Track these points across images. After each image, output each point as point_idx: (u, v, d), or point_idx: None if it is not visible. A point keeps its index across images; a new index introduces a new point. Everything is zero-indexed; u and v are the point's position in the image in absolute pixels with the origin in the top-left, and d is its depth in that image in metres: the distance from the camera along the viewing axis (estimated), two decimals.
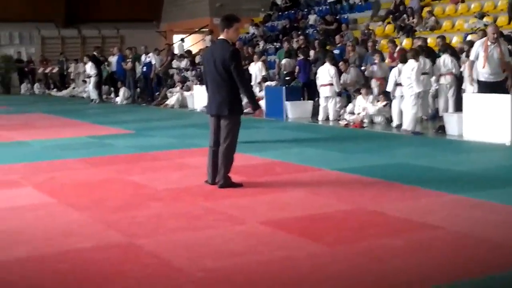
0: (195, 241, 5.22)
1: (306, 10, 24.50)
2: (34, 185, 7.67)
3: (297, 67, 16.39)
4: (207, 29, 27.35)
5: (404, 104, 11.93)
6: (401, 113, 12.38)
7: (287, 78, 16.61)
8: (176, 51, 25.91)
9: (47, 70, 29.47)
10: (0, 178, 8.15)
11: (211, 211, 6.20)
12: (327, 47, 17.40)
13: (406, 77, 11.70)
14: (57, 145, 11.32)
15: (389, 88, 12.77)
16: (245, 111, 7.91)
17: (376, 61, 14.56)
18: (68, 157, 9.87)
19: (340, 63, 14.96)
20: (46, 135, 12.84)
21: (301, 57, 16.42)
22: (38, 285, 4.31)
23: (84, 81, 24.97)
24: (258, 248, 5.00)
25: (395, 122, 12.64)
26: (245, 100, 7.91)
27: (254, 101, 7.53)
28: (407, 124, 11.67)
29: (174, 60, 22.75)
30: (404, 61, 12.72)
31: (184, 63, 22.34)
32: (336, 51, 16.72)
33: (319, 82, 14.49)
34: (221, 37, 7.24)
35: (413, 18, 18.66)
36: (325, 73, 14.27)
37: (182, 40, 28.08)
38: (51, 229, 5.67)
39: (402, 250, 4.88)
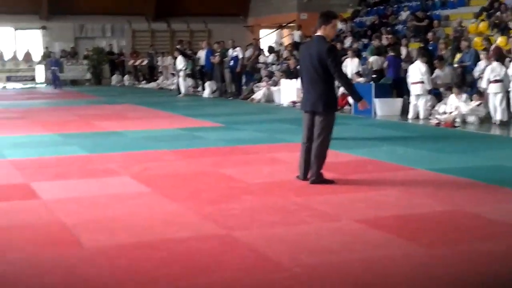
0: (290, 236, 5.25)
1: (396, 6, 24.13)
2: (130, 174, 7.90)
3: (386, 64, 16.19)
4: (294, 24, 27.32)
5: None
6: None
7: (374, 75, 16.43)
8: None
9: (137, 63, 30.22)
10: (100, 166, 8.46)
11: (304, 206, 6.22)
12: (418, 45, 17.12)
13: None
14: (149, 136, 11.61)
15: (483, 85, 12.66)
16: None
17: (483, 60, 14.12)
18: (160, 148, 10.11)
19: (435, 61, 14.68)
20: (138, 126, 13.19)
21: (391, 54, 16.20)
22: (139, 271, 4.44)
23: (173, 74, 25.48)
24: (354, 246, 4.98)
25: (494, 118, 12.57)
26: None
27: (356, 94, 7.52)
28: None
29: (261, 55, 22.90)
30: (498, 59, 12.49)
31: (271, 58, 22.45)
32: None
33: (409, 79, 14.27)
34: (318, 33, 7.24)
35: (508, 15, 18.06)
36: (416, 71, 14.04)
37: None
38: (150, 218, 5.84)
39: (502, 255, 4.76)
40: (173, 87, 24.81)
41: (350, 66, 17.17)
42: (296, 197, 6.63)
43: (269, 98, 19.44)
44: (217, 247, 4.99)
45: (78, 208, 6.20)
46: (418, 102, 14.08)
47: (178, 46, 24.00)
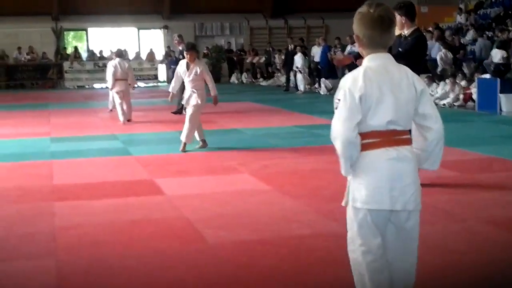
0: None
1: None
2: (250, 171, 7.99)
3: None
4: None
5: None
6: None
7: (494, 70, 15.71)
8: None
9: (255, 60, 30.56)
10: (221, 164, 8.62)
11: (428, 206, 6.03)
12: None
13: None
14: (268, 133, 11.70)
15: None
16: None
17: None
18: (278, 145, 10.17)
19: None
20: (256, 124, 13.33)
21: None
22: (261, 267, 4.48)
23: (278, 70, 25.48)
24: (481, 247, 4.80)
25: None
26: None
27: None
28: None
29: None
30: None
31: None
32: None
33: None
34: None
35: None
36: None
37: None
38: (270, 215, 5.88)
39: None
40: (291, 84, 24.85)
41: None
42: None
43: None
44: (338, 246, 4.94)
45: (200, 204, 6.34)
46: None
47: (289, 45, 24.03)
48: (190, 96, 9.55)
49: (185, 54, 9.64)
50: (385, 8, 3.13)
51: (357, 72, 3.15)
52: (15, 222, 5.80)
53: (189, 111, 9.62)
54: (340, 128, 3.09)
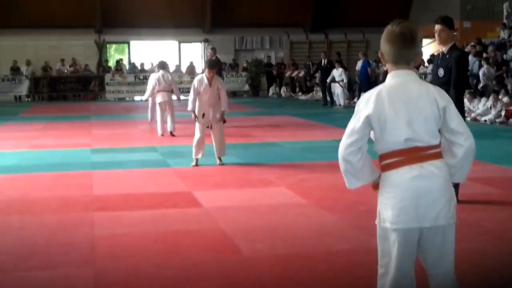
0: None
1: None
2: (287, 185, 7.99)
3: None
4: (456, 33, 26.36)
5: None
6: None
7: None
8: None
9: (294, 74, 30.59)
10: (258, 177, 8.64)
11: (468, 223, 5.97)
12: None
13: None
14: (304, 147, 11.69)
15: None
16: None
17: None
18: (315, 159, 10.15)
19: None
20: (294, 137, 13.32)
21: None
22: (299, 282, 4.47)
23: (317, 84, 25.49)
24: None
25: None
26: None
27: None
28: None
29: (421, 65, 22.39)
30: None
31: (430, 68, 21.86)
32: None
33: None
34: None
35: None
36: None
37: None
38: (307, 229, 5.87)
39: None
40: (328, 98, 24.77)
41: None
42: (459, 212, 6.35)
43: None
44: (376, 262, 4.89)
45: (237, 216, 6.36)
46: None
47: (323, 58, 23.96)
48: (214, 111, 9.58)
49: (207, 72, 9.62)
50: (407, 25, 3.13)
51: (373, 92, 3.19)
52: (56, 231, 5.89)
53: (216, 127, 9.63)
54: (340, 144, 3.20)
